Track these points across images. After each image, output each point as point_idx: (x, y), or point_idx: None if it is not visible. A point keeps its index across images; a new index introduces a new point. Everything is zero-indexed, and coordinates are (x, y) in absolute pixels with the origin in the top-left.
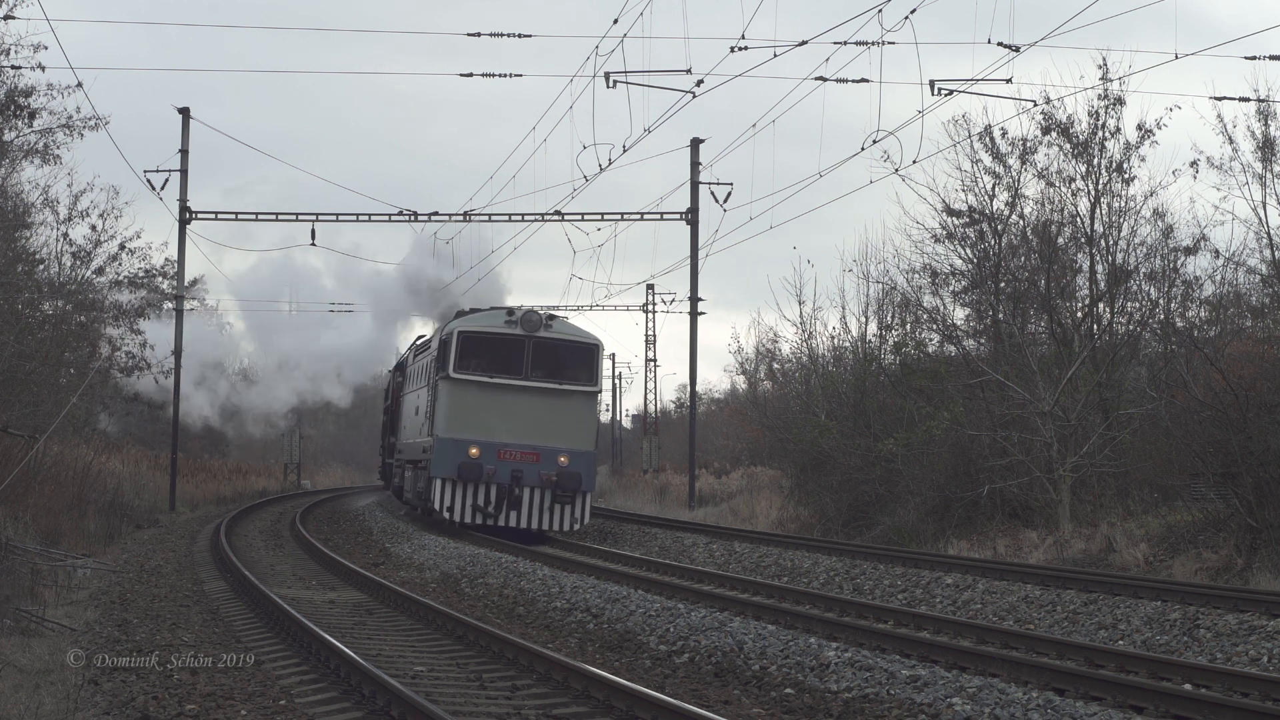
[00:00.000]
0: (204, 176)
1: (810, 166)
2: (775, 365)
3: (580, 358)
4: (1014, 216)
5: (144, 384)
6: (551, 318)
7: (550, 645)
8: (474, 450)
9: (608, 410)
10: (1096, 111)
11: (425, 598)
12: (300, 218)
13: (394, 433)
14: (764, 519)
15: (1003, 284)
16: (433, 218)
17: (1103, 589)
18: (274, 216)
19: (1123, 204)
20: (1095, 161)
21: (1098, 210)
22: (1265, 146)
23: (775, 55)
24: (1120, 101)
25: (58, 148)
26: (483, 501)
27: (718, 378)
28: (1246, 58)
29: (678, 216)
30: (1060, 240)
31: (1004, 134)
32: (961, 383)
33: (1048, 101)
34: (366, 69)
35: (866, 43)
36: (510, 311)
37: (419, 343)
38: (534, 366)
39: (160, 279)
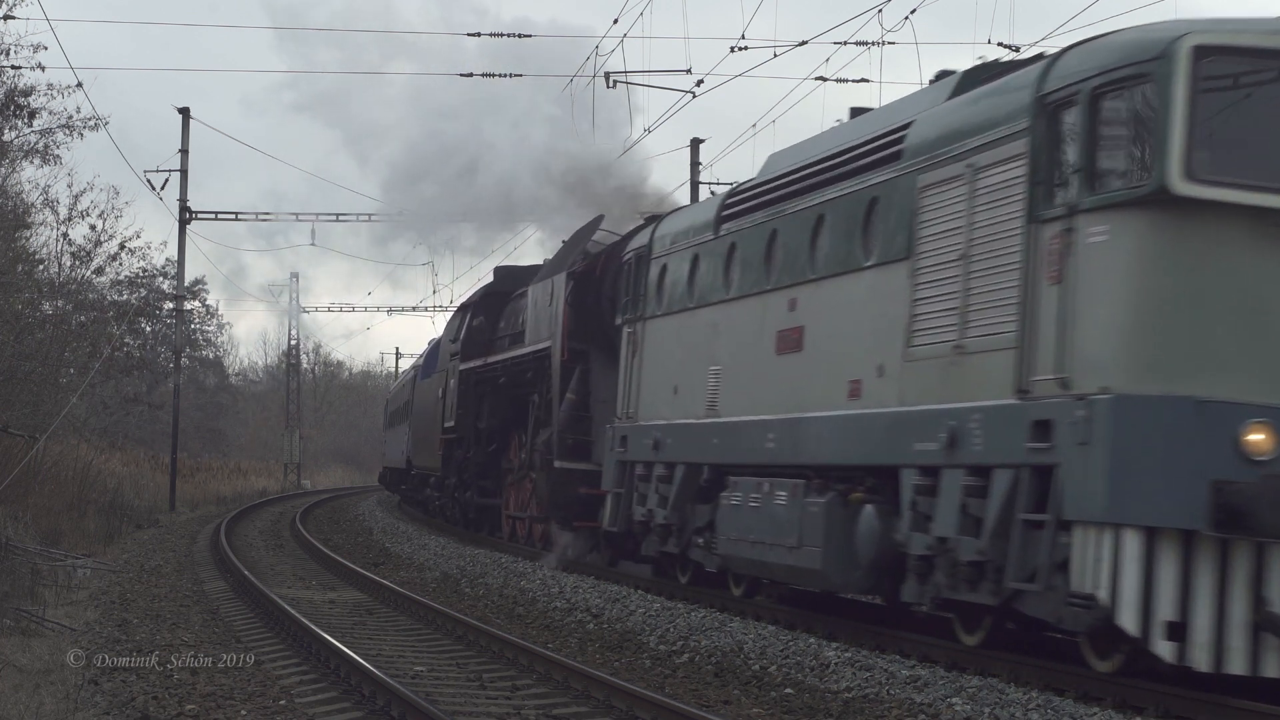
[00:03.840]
0: (204, 176)
1: None
2: None
3: None
4: None
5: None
6: None
7: (550, 645)
8: (1260, 436)
9: None
10: None
11: (425, 598)
12: (300, 217)
13: (585, 407)
14: None
15: None
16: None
17: None
18: (274, 216)
19: None
20: None
21: None
22: None
23: (775, 55)
24: None
25: (58, 148)
26: None
27: None
28: None
29: None
30: None
31: None
32: None
33: None
34: (365, 68)
35: (866, 43)
36: None
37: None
38: None
39: (160, 279)
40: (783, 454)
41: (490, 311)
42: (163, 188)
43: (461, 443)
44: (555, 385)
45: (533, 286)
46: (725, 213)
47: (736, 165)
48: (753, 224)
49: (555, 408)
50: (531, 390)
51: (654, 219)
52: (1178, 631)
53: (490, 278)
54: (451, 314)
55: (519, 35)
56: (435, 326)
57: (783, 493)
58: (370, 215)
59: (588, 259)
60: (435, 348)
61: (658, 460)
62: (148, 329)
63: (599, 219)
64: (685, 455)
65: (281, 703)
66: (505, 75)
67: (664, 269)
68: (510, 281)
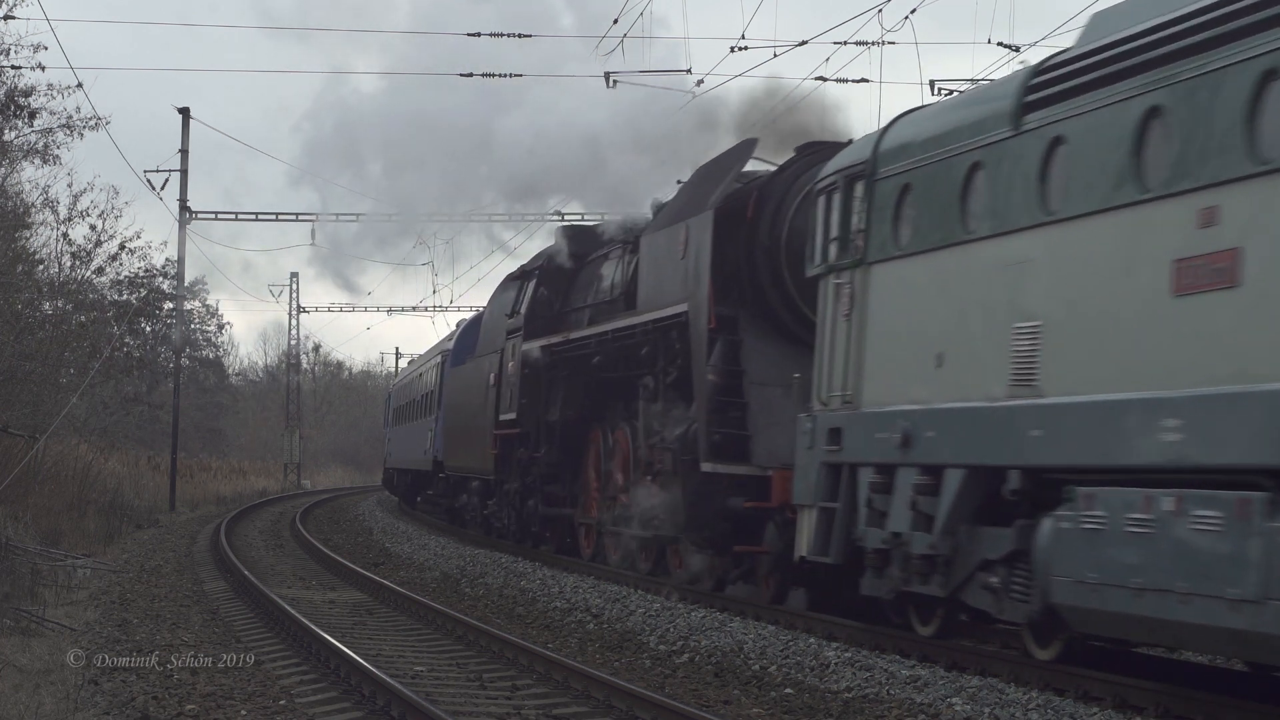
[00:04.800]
0: (204, 176)
1: None
2: None
3: None
4: None
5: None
6: None
7: (550, 645)
8: None
9: None
10: None
11: (425, 598)
12: (300, 217)
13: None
14: None
15: None
16: (432, 217)
17: None
18: (274, 216)
19: None
20: None
21: None
22: None
23: (775, 55)
24: None
25: (58, 148)
26: None
27: None
28: None
29: None
30: None
31: None
32: None
33: None
34: (366, 68)
35: (866, 43)
36: None
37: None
38: None
39: (161, 279)
40: (1204, 451)
41: (557, 280)
42: (163, 188)
43: (525, 439)
44: (701, 361)
45: (647, 237)
46: (1035, 96)
47: None
48: (1099, 104)
49: (701, 392)
50: (643, 371)
51: (812, 147)
52: None
53: (551, 242)
54: (497, 287)
55: (519, 35)
56: (436, 327)
57: (1211, 513)
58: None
59: (733, 196)
60: (472, 327)
61: (907, 462)
62: (147, 329)
63: (749, 144)
64: (966, 454)
65: (281, 703)
66: (506, 75)
67: (904, 190)
68: (581, 243)
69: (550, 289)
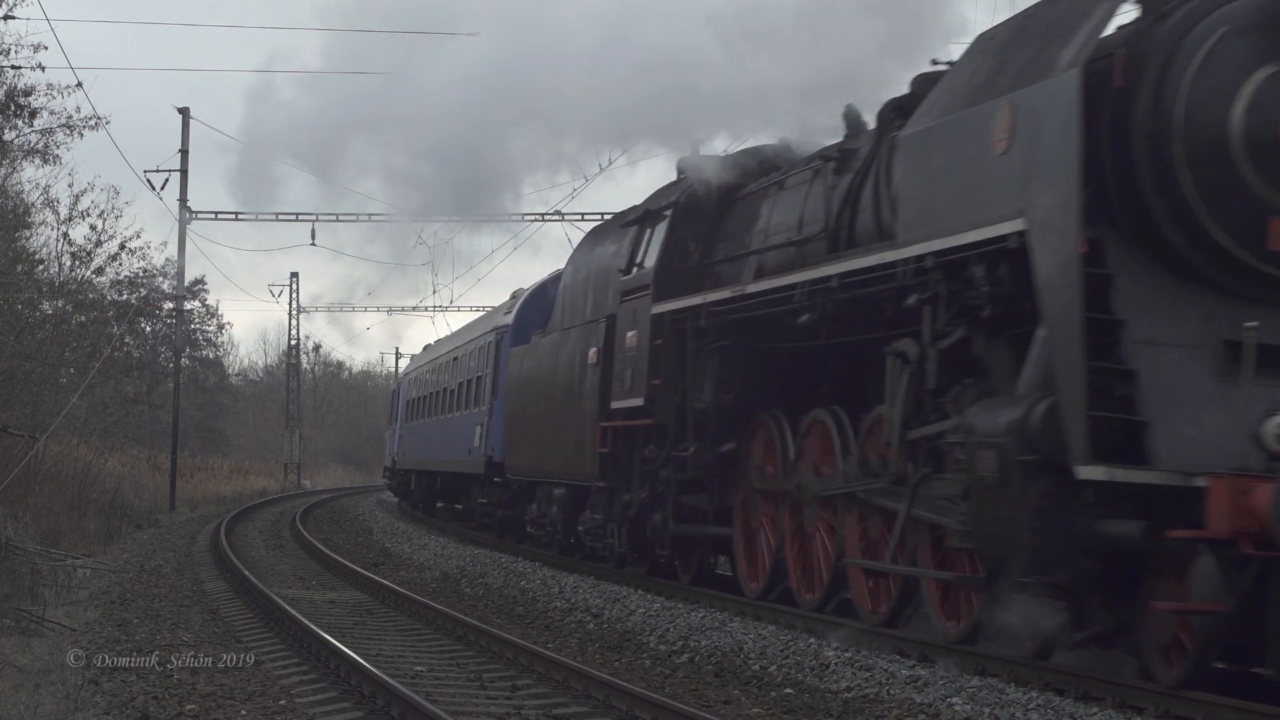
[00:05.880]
0: (204, 176)
1: None
2: None
3: None
4: None
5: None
6: None
7: (550, 645)
8: None
9: None
10: None
11: (425, 598)
12: (300, 217)
13: None
14: None
15: None
16: (433, 217)
17: None
18: (274, 216)
19: None
20: None
21: None
22: None
23: None
24: None
25: (58, 148)
26: None
27: None
28: None
29: None
30: None
31: None
32: None
33: None
34: (366, 69)
35: None
36: None
37: None
38: None
39: (160, 279)
40: None
41: (697, 221)
42: (163, 188)
43: (657, 433)
44: (1070, 306)
45: (911, 135)
46: None
47: None
48: None
49: (1069, 354)
50: (894, 331)
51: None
52: None
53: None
54: (584, 239)
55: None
56: (435, 327)
57: None
58: (370, 215)
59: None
60: (537, 296)
61: None
62: (147, 329)
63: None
64: None
65: (281, 703)
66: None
67: None
68: (723, 174)
69: (688, 234)
